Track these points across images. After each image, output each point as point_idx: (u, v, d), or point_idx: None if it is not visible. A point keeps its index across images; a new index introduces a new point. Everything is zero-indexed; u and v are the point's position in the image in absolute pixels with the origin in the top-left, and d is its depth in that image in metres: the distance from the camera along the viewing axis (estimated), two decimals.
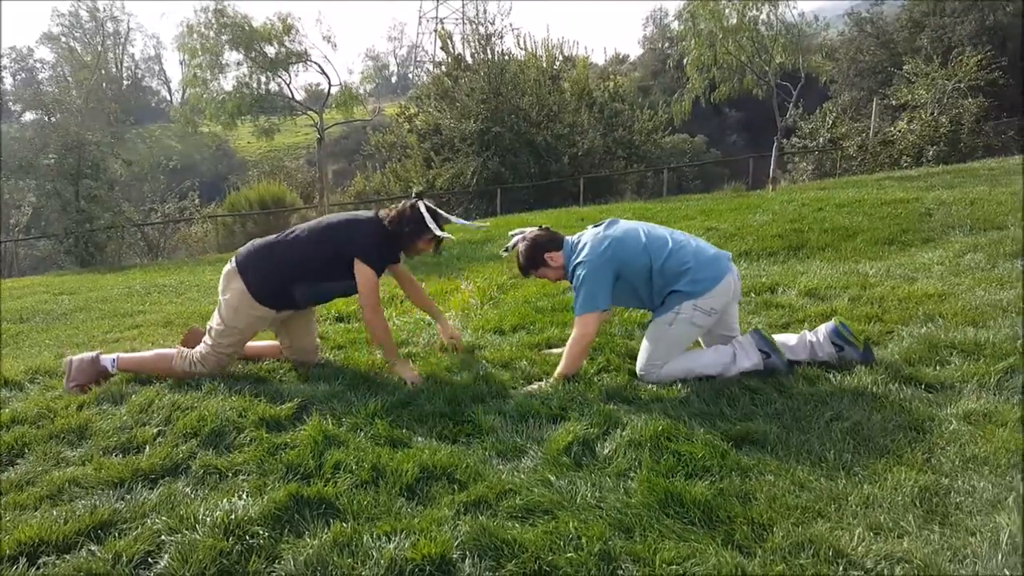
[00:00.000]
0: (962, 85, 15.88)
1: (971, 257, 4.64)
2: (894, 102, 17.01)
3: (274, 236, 3.17)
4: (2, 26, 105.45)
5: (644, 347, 2.92)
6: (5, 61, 63.36)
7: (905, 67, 17.48)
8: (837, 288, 4.13)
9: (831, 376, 2.76)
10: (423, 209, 3.05)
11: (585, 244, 2.95)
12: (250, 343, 3.29)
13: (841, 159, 17.33)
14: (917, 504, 1.84)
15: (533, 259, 3.06)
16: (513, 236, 3.16)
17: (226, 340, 3.07)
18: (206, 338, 3.13)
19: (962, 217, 6.00)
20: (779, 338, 2.95)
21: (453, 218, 3.27)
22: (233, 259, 3.12)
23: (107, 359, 3.19)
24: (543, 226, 3.16)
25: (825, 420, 2.36)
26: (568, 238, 3.06)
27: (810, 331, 2.99)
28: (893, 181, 10.07)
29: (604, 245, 2.89)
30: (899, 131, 15.82)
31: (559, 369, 2.93)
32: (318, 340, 3.42)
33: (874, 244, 5.44)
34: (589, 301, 2.86)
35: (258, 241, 3.19)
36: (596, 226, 3.05)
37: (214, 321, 3.10)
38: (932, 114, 15.69)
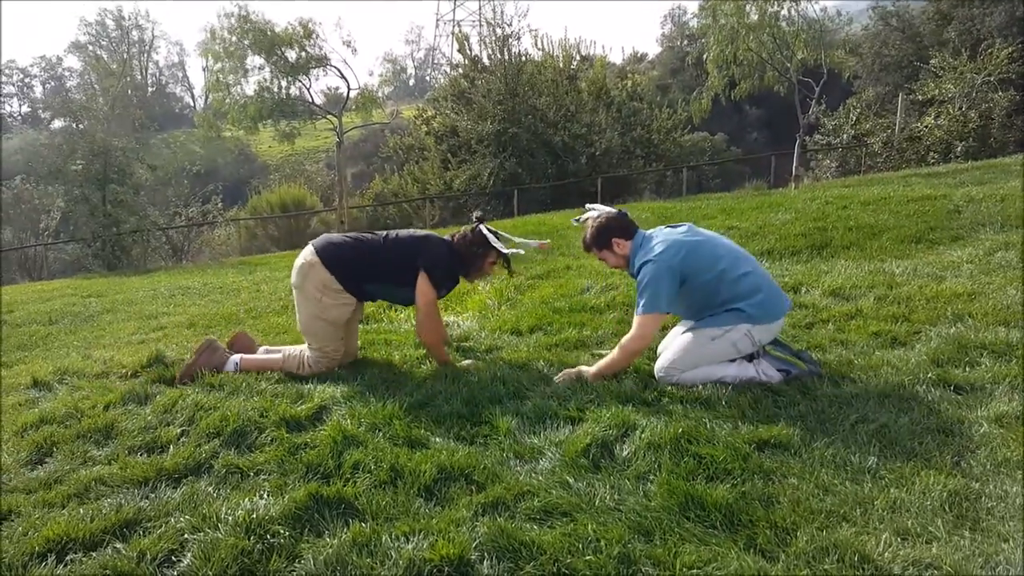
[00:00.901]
0: (992, 78, 15.55)
1: (1002, 255, 4.53)
2: (920, 97, 16.70)
3: (350, 235, 3.34)
4: (2, 41, 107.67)
5: (673, 349, 2.86)
6: (36, 70, 64.84)
7: (932, 61, 17.16)
8: (862, 287, 4.06)
9: (856, 377, 2.71)
10: (485, 231, 3.18)
11: (657, 243, 2.89)
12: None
13: (866, 156, 17.05)
14: (946, 509, 1.79)
15: (600, 239, 3.03)
16: (589, 209, 3.14)
17: (331, 344, 3.20)
18: (311, 344, 3.23)
19: (992, 214, 5.87)
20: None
21: (515, 239, 3.36)
22: (310, 249, 3.22)
23: (231, 363, 3.29)
24: (622, 211, 3.11)
25: (850, 422, 2.31)
26: (641, 231, 3.02)
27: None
28: (920, 178, 9.88)
29: (678, 249, 2.83)
30: (926, 126, 15.53)
31: (607, 361, 2.88)
32: (358, 341, 3.50)
33: (900, 242, 5.34)
34: (652, 303, 2.80)
35: (335, 236, 3.33)
36: (674, 227, 3.00)
37: (307, 329, 3.20)
38: (960, 109, 15.38)
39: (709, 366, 2.83)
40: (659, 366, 2.86)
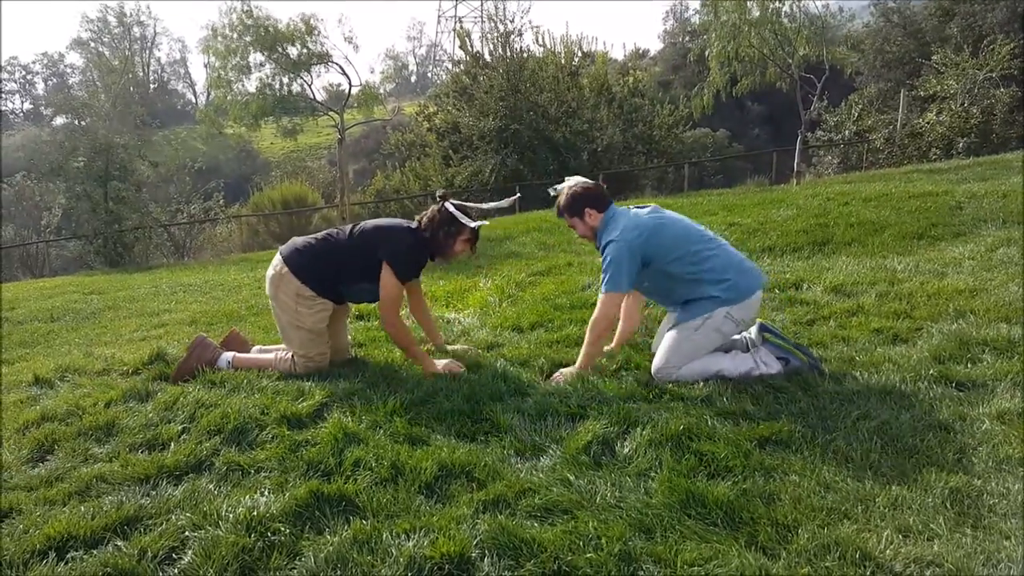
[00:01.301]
0: (994, 74, 15.47)
1: (1004, 251, 4.52)
2: (922, 93, 16.62)
3: (316, 237, 3.25)
4: (2, 39, 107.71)
5: (664, 348, 2.87)
6: (38, 67, 64.83)
7: (934, 57, 17.08)
8: (864, 284, 4.05)
9: (858, 374, 2.71)
10: (452, 208, 3.09)
11: (623, 223, 2.91)
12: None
13: (867, 152, 17.00)
14: (948, 506, 1.79)
15: (573, 206, 3.04)
16: (570, 179, 3.16)
17: (315, 350, 3.15)
18: (295, 352, 3.19)
19: (994, 210, 5.85)
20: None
21: (482, 206, 3.30)
22: (278, 258, 3.18)
23: (224, 360, 3.28)
24: (599, 182, 3.12)
25: (852, 419, 2.31)
26: (615, 206, 3.03)
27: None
28: (922, 174, 9.86)
29: (641, 231, 2.86)
30: (928, 123, 15.47)
31: (584, 351, 2.93)
32: (350, 338, 3.45)
33: (902, 239, 5.32)
34: (613, 282, 2.85)
35: (299, 240, 3.25)
36: (641, 208, 3.02)
37: (291, 341, 3.17)
38: (962, 105, 15.31)
39: (705, 359, 2.83)
40: (655, 367, 2.87)
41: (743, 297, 2.83)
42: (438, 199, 3.17)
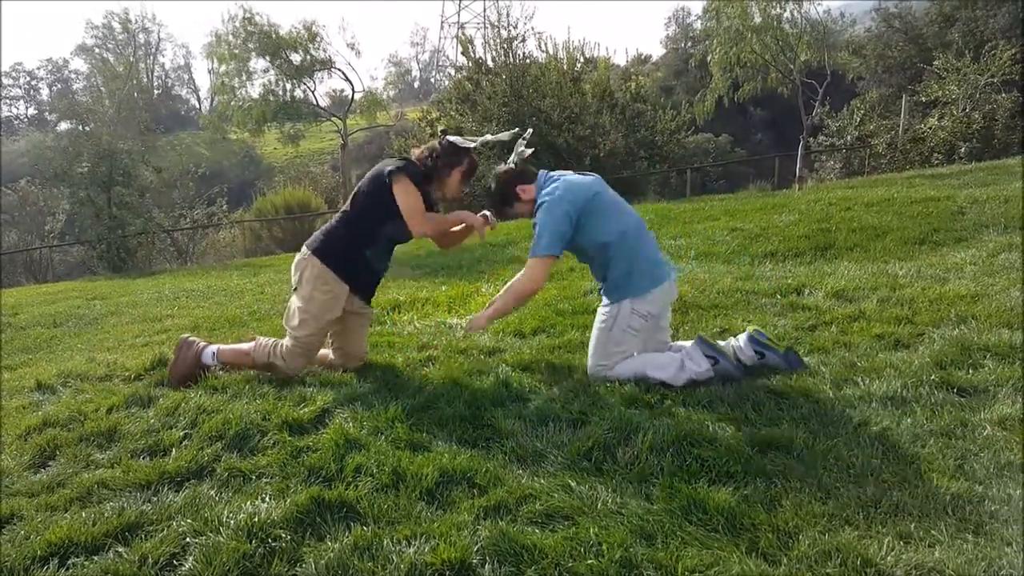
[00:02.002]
0: (995, 80, 15.49)
1: (1005, 257, 4.51)
2: (924, 98, 16.65)
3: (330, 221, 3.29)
4: (1, 45, 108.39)
5: (590, 350, 2.94)
6: (42, 73, 65.20)
7: (935, 62, 17.11)
8: (866, 289, 4.05)
9: (859, 380, 2.71)
10: (452, 138, 3.07)
11: (559, 183, 2.87)
12: None
13: (869, 157, 17.02)
14: (949, 512, 1.79)
15: (506, 197, 3.00)
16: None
17: (304, 331, 3.12)
18: (289, 331, 3.18)
19: (996, 216, 5.84)
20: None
21: (484, 137, 3.29)
22: (305, 248, 3.20)
23: (208, 353, 3.25)
24: (444, 131, 3.10)
25: (853, 425, 2.31)
26: (543, 171, 3.00)
27: (733, 338, 2.97)
28: (924, 179, 9.85)
29: (576, 192, 2.83)
30: (930, 128, 15.48)
31: (495, 304, 2.90)
32: (366, 348, 3.46)
33: (904, 244, 5.32)
34: (540, 245, 2.81)
35: (318, 231, 3.28)
36: (576, 174, 3.00)
37: (291, 317, 3.17)
38: (964, 110, 15.33)
39: (636, 361, 2.84)
40: (588, 367, 2.93)
41: (645, 289, 2.83)
42: (439, 133, 3.16)
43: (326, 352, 3.43)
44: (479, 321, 2.98)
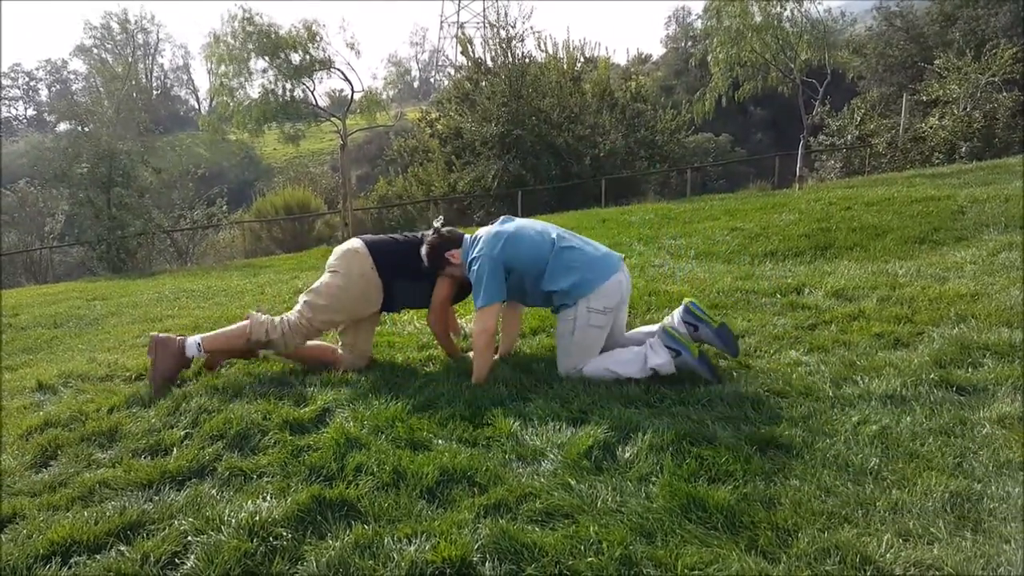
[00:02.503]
0: (996, 79, 15.49)
1: (1006, 256, 4.51)
2: (925, 98, 16.65)
3: (394, 235, 3.45)
4: (1, 46, 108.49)
5: (558, 355, 3.03)
6: (41, 73, 65.23)
7: (936, 62, 17.11)
8: (865, 288, 4.05)
9: (859, 379, 2.71)
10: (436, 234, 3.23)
11: (480, 240, 3.05)
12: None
13: (870, 156, 17.01)
14: (948, 510, 1.79)
15: (436, 260, 3.17)
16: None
17: (322, 316, 3.23)
18: (298, 309, 3.25)
19: (996, 215, 5.85)
20: (641, 329, 3.12)
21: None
22: (359, 242, 3.31)
23: (192, 342, 3.22)
24: (440, 228, 3.23)
25: (852, 424, 2.31)
26: (466, 235, 3.18)
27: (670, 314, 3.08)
28: (924, 178, 9.86)
29: (497, 241, 2.99)
30: (930, 127, 15.48)
31: (474, 371, 3.02)
32: (372, 347, 3.50)
33: (904, 243, 5.33)
34: (484, 296, 2.94)
35: (383, 237, 3.43)
36: (493, 223, 3.16)
37: (315, 295, 3.23)
38: (965, 109, 15.33)
39: (602, 358, 2.94)
40: (559, 371, 3.00)
41: (595, 286, 2.92)
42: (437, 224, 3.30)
43: (329, 347, 3.45)
44: (479, 379, 3.03)
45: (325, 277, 3.28)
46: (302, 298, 3.30)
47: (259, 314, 3.27)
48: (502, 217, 3.21)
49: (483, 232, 3.10)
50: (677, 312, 3.00)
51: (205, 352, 3.23)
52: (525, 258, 2.99)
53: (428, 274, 3.26)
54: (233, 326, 3.32)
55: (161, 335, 3.24)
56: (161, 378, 3.12)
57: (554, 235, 3.07)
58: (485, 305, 2.95)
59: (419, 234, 3.40)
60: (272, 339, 3.19)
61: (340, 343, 3.43)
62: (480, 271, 2.96)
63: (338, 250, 3.36)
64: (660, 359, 2.82)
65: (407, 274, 3.28)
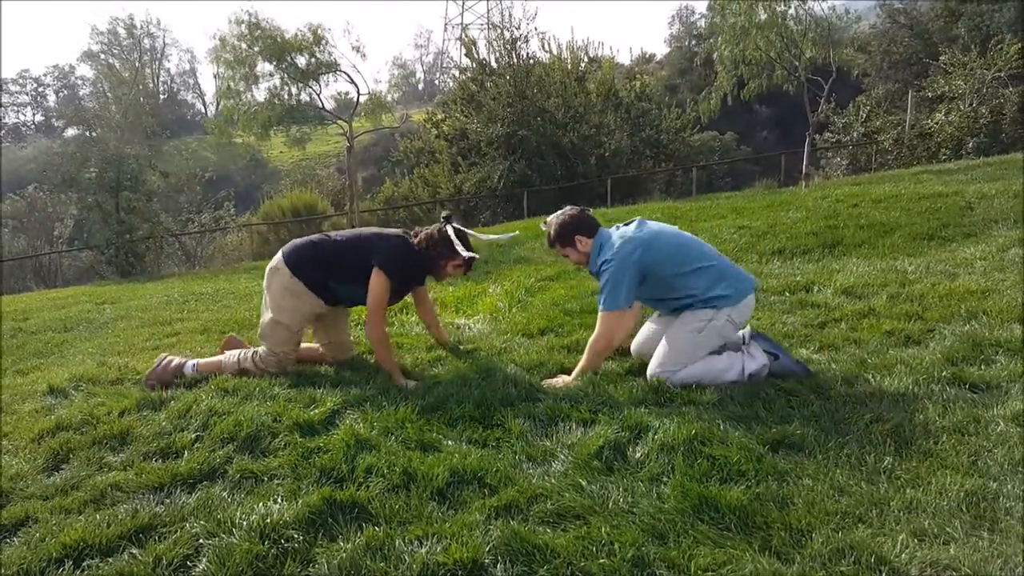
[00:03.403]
0: (1002, 74, 15.39)
1: (1015, 252, 4.48)
2: (930, 94, 16.55)
3: (315, 236, 3.36)
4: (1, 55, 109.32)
5: (663, 349, 2.89)
6: (49, 79, 65.67)
7: (941, 58, 17.01)
8: (875, 286, 4.03)
9: (870, 377, 2.69)
10: (451, 232, 3.16)
11: (617, 241, 2.96)
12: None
13: (876, 153, 16.92)
14: (964, 509, 1.78)
15: (563, 235, 3.09)
16: (561, 211, 3.19)
17: (277, 338, 3.23)
18: (263, 343, 3.29)
19: (1005, 210, 5.81)
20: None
21: (483, 237, 3.37)
22: (279, 255, 3.28)
23: (189, 365, 3.35)
24: (584, 208, 3.17)
25: (865, 422, 2.30)
26: (603, 229, 3.08)
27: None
28: (931, 175, 9.80)
29: (635, 246, 2.90)
30: (936, 123, 15.39)
31: (580, 364, 2.95)
32: (351, 336, 3.54)
33: (913, 240, 5.30)
34: (613, 299, 2.88)
35: (299, 240, 3.36)
36: (626, 225, 3.06)
37: (264, 324, 3.26)
38: (971, 105, 15.22)
39: (700, 363, 2.84)
40: (651, 370, 2.88)
41: (741, 298, 2.88)
42: (441, 219, 3.24)
43: (314, 347, 3.49)
44: (580, 373, 2.96)
45: (263, 312, 3.29)
46: (260, 331, 3.32)
47: (245, 353, 3.31)
48: (637, 220, 3.07)
49: (618, 233, 3.01)
50: (747, 334, 2.94)
51: (198, 372, 3.32)
52: (661, 266, 2.88)
53: (357, 275, 3.15)
54: (218, 358, 3.38)
55: (169, 356, 3.40)
56: (154, 380, 3.28)
57: (697, 245, 3.00)
58: (612, 309, 2.88)
59: (349, 233, 3.30)
60: (245, 368, 3.26)
61: (320, 342, 3.48)
62: (614, 273, 2.86)
63: (267, 269, 3.33)
64: (758, 364, 2.78)
65: (335, 276, 3.21)
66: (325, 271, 3.20)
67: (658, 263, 2.89)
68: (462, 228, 3.23)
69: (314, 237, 3.35)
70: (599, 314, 2.94)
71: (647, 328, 3.18)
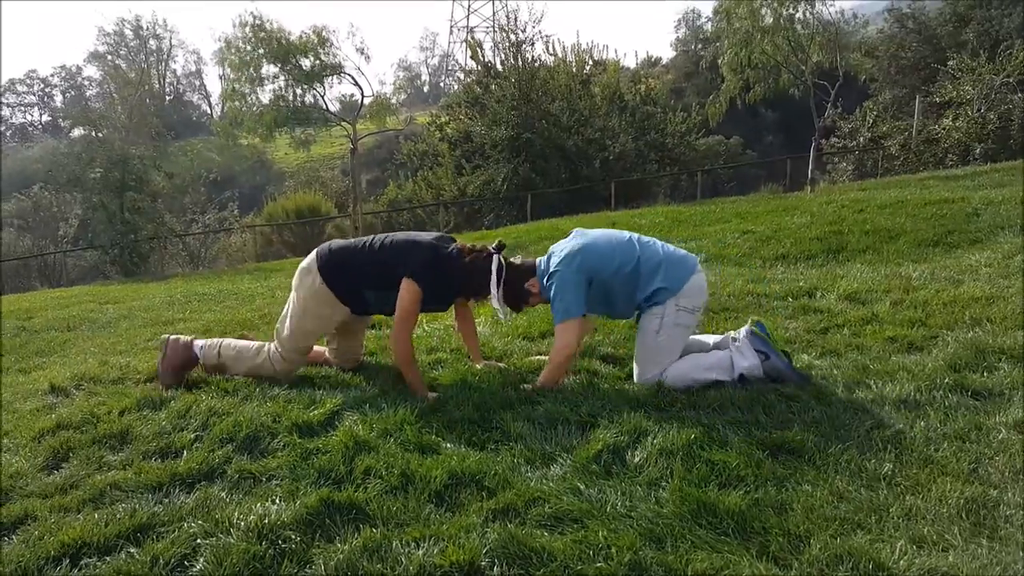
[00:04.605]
0: (1011, 80, 15.33)
1: (1021, 259, 4.46)
2: (938, 99, 16.50)
3: (352, 241, 3.25)
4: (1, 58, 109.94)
5: (637, 359, 2.91)
6: (56, 80, 66.05)
7: (950, 63, 16.96)
8: (878, 292, 4.01)
9: (872, 383, 2.68)
10: (493, 267, 2.95)
11: (554, 258, 2.94)
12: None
13: (883, 159, 16.89)
14: (963, 516, 1.77)
15: (519, 296, 3.02)
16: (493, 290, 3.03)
17: (293, 342, 3.17)
18: (278, 342, 3.21)
19: (1011, 217, 5.79)
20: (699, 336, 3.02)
21: (498, 310, 3.07)
22: (313, 256, 3.19)
23: (198, 344, 3.27)
24: (499, 246, 3.03)
25: (865, 428, 2.29)
26: (538, 259, 3.05)
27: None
28: (938, 180, 9.77)
29: (574, 254, 2.88)
30: (944, 129, 15.34)
31: (541, 377, 2.91)
32: (364, 347, 3.48)
33: (917, 246, 5.28)
34: (564, 307, 2.84)
35: (336, 241, 3.27)
36: (565, 239, 3.05)
37: (284, 324, 3.19)
38: (979, 110, 15.18)
39: (684, 362, 2.84)
40: (635, 378, 2.90)
41: (682, 284, 2.85)
42: (493, 247, 3.02)
43: (322, 349, 3.48)
44: (543, 386, 2.90)
45: (286, 309, 3.23)
46: (277, 327, 3.26)
47: (251, 343, 3.27)
48: (574, 230, 3.07)
49: (555, 248, 2.99)
50: (743, 333, 2.89)
51: (203, 362, 3.28)
52: (604, 267, 2.86)
53: (394, 283, 3.00)
54: (239, 341, 3.32)
55: (170, 338, 3.31)
56: (168, 369, 3.20)
57: (631, 239, 2.96)
58: (565, 319, 2.83)
59: (384, 239, 3.13)
60: (265, 369, 3.21)
61: (328, 348, 3.43)
62: (559, 285, 2.83)
63: (299, 267, 3.24)
64: (748, 362, 2.76)
65: (371, 284, 3.09)
66: (360, 279, 3.09)
67: (599, 265, 2.87)
68: (507, 264, 3.01)
69: (351, 242, 3.22)
70: (555, 327, 2.88)
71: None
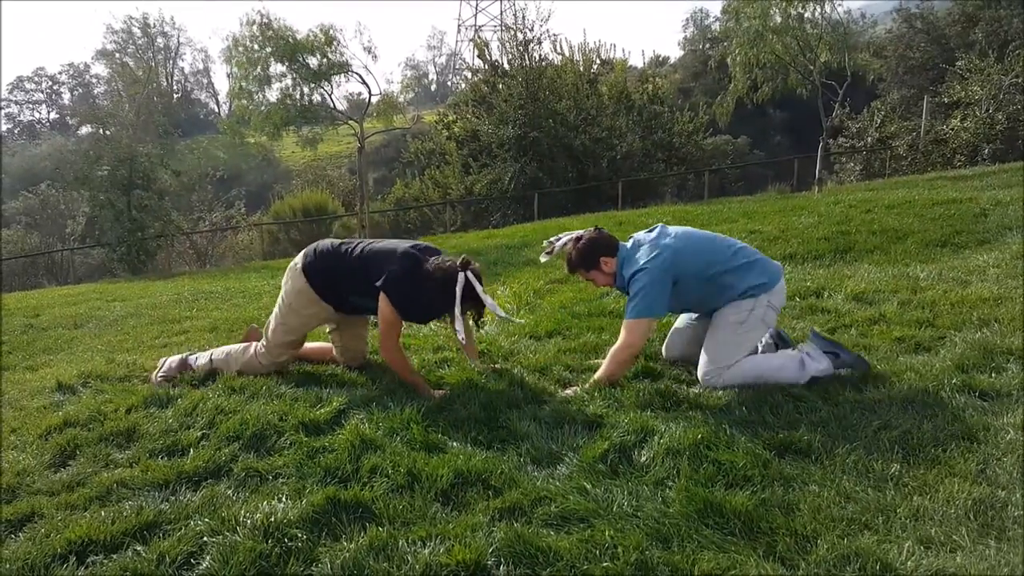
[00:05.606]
0: (1019, 80, 15.22)
1: None
2: (946, 99, 16.41)
3: (340, 243, 3.23)
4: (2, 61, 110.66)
5: (709, 348, 2.83)
6: (64, 77, 66.36)
7: (958, 63, 16.85)
8: (886, 292, 3.99)
9: (879, 383, 2.67)
10: (460, 282, 2.81)
11: (643, 251, 2.88)
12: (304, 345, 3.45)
13: (890, 159, 16.79)
14: (971, 517, 1.75)
15: (587, 259, 2.97)
16: (559, 237, 3.10)
17: (277, 338, 3.23)
18: (264, 336, 3.30)
19: (1019, 217, 5.75)
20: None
21: (489, 300, 2.92)
22: (301, 256, 3.24)
23: (191, 359, 3.42)
24: (598, 227, 3.08)
25: (873, 429, 2.27)
26: (622, 244, 3.00)
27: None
28: (946, 181, 9.71)
29: (663, 249, 2.84)
30: (952, 129, 15.25)
31: (599, 373, 2.86)
32: (367, 346, 3.50)
33: (925, 246, 5.25)
34: (646, 308, 2.80)
35: (323, 245, 3.26)
36: (647, 232, 3.00)
37: (271, 318, 3.27)
38: (988, 111, 15.08)
39: (751, 361, 2.81)
40: (701, 370, 2.84)
41: (775, 282, 2.87)
42: (459, 263, 2.89)
43: (327, 346, 3.49)
44: (599, 383, 2.85)
45: (276, 307, 3.29)
46: (266, 322, 3.33)
47: (238, 346, 3.38)
48: (658, 226, 2.99)
49: (642, 243, 2.91)
50: (810, 337, 2.91)
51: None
52: (696, 264, 2.83)
53: (367, 290, 2.96)
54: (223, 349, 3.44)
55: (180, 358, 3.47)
56: (164, 380, 3.34)
57: (718, 237, 2.98)
58: (642, 317, 2.78)
59: (365, 246, 3.09)
60: (254, 365, 3.28)
61: (333, 345, 3.45)
62: (647, 282, 2.77)
63: (288, 266, 3.28)
64: (822, 364, 2.75)
65: (354, 290, 3.07)
66: (342, 284, 3.11)
67: (690, 266, 2.84)
68: (476, 281, 2.86)
69: (338, 245, 3.19)
70: (625, 323, 2.82)
71: (680, 327, 3.16)
